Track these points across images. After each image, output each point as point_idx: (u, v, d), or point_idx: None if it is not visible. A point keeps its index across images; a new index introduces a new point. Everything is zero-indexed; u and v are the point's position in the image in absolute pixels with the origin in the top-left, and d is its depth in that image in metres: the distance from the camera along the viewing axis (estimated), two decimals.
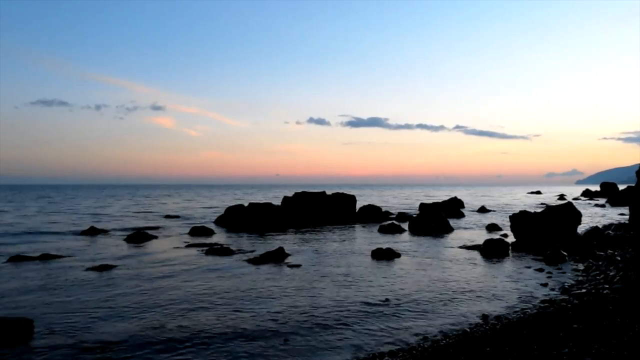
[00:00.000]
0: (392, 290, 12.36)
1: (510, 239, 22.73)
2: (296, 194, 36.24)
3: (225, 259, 17.56)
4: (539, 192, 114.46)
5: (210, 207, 54.32)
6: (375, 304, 10.87)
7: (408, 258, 17.94)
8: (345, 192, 39.20)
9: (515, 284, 13.07)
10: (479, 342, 7.73)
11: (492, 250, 19.02)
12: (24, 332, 8.51)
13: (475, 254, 18.80)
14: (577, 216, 22.77)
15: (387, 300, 11.25)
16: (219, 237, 25.41)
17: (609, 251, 17.60)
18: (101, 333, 8.76)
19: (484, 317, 9.76)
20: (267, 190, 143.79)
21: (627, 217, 24.10)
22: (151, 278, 13.98)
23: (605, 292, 10.97)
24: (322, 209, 35.34)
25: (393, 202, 68.10)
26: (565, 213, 22.48)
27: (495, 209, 49.93)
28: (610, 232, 23.32)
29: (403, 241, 23.31)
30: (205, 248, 20.05)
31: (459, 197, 49.28)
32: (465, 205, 49.74)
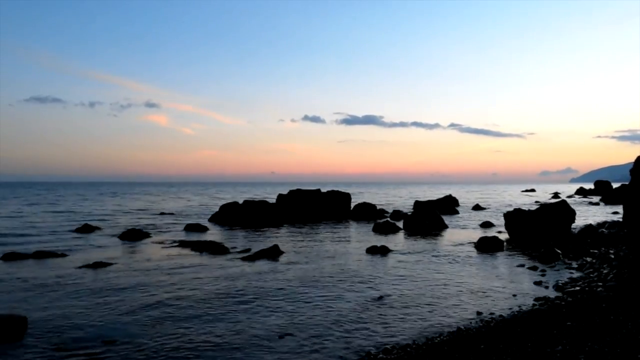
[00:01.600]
0: (386, 287, 12.38)
1: (505, 236, 22.83)
2: (291, 191, 36.21)
3: (219, 256, 17.52)
4: (533, 190, 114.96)
5: (205, 205, 54.22)
6: (369, 301, 10.88)
7: (402, 256, 17.97)
8: (340, 190, 39.20)
9: (509, 282, 13.11)
10: (473, 340, 7.76)
11: (486, 248, 19.09)
12: (18, 330, 8.45)
13: (470, 252, 18.86)
14: (571, 214, 22.91)
15: (381, 297, 11.26)
16: (214, 234, 25.35)
17: (603, 249, 17.68)
18: (95, 331, 8.72)
19: (478, 314, 9.80)
20: (262, 188, 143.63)
21: (621, 215, 24.24)
22: (145, 275, 13.93)
23: (598, 290, 11.03)
24: (316, 207, 35.35)
25: (388, 200, 68.22)
26: (560, 211, 22.61)
27: (489, 207, 50.13)
28: (604, 230, 23.45)
29: (397, 239, 23.34)
30: (199, 245, 19.98)
31: (453, 195, 49.40)
32: (460, 203, 49.84)
